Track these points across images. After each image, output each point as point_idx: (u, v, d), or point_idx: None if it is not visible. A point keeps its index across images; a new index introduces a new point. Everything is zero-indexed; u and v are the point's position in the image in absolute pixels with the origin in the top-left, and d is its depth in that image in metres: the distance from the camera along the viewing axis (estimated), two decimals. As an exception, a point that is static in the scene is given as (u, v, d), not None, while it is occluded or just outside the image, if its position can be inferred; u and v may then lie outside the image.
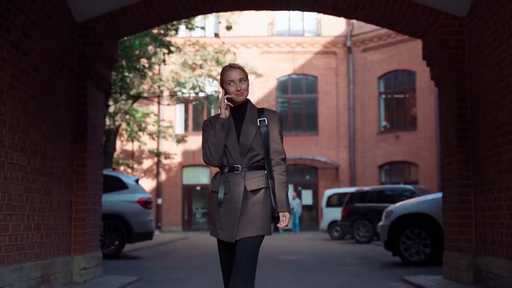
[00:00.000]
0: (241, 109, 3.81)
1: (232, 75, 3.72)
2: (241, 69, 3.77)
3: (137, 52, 15.82)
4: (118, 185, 12.74)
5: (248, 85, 3.76)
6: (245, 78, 3.75)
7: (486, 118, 6.66)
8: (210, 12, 8.15)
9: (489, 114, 6.58)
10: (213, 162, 3.72)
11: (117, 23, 7.67)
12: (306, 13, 28.74)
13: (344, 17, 8.22)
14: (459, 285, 6.94)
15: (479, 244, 6.96)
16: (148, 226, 12.93)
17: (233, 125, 3.76)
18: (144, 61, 16.93)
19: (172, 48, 16.12)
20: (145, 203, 12.86)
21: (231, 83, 3.71)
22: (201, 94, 21.76)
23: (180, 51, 16.65)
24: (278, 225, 3.70)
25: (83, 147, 7.35)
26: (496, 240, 6.42)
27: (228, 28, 14.91)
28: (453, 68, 7.31)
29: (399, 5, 7.46)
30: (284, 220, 3.69)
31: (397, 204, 11.67)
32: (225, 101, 3.70)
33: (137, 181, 13.41)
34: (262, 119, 3.77)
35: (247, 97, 3.82)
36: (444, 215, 7.82)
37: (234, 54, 28.03)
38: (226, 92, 3.74)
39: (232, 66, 3.77)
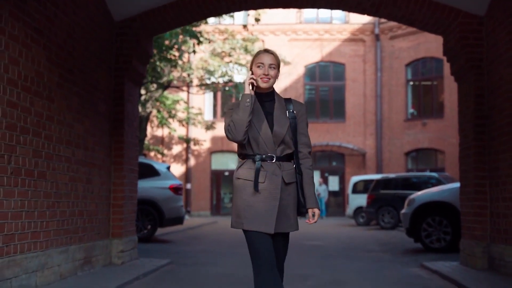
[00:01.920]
0: (268, 97, 3.72)
1: (264, 58, 3.63)
2: (275, 55, 3.67)
3: (167, 42, 16.33)
4: (150, 172, 13.30)
5: (276, 74, 3.66)
6: (275, 65, 3.64)
7: (502, 115, 7.00)
8: (240, 10, 8.58)
9: (504, 111, 6.92)
10: (237, 137, 3.57)
11: (152, 22, 8.15)
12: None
13: (368, 14, 8.58)
14: (473, 271, 7.33)
15: (493, 233, 7.33)
16: (178, 211, 13.49)
17: (262, 112, 3.67)
18: (175, 50, 17.43)
19: (201, 39, 16.59)
20: (176, 189, 13.41)
21: (260, 66, 3.62)
22: (230, 83, 22.15)
23: (209, 42, 17.07)
24: (307, 221, 3.67)
25: (121, 139, 7.89)
26: (509, 230, 6.79)
27: (257, 20, 15.31)
28: (471, 65, 7.64)
29: (420, 4, 7.80)
30: (313, 216, 3.67)
31: (419, 193, 12.02)
32: (250, 79, 3.61)
33: (168, 168, 13.96)
34: (291, 110, 3.70)
35: (273, 87, 3.75)
36: (462, 205, 8.19)
37: (263, 41, 28.36)
38: (253, 73, 3.66)
39: (267, 51, 3.69)
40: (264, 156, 3.60)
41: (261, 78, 3.61)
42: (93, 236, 7.16)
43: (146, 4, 7.93)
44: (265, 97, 3.70)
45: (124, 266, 7.68)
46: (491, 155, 7.41)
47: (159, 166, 13.80)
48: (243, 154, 3.69)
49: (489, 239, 7.44)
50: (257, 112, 3.64)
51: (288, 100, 3.75)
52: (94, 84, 7.17)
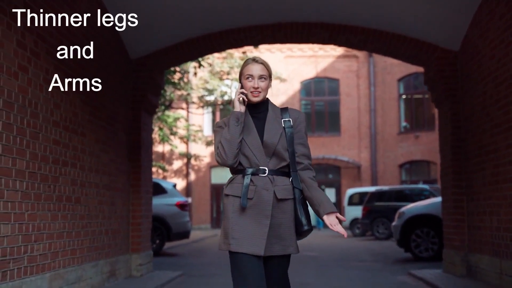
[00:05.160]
0: (261, 107, 3.40)
1: (253, 69, 3.30)
2: (264, 65, 3.33)
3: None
4: (158, 190, 14.19)
5: (267, 85, 3.34)
6: (266, 76, 3.31)
7: (474, 139, 7.98)
8: (242, 46, 9.59)
9: (476, 136, 7.90)
10: (227, 161, 3.26)
11: (164, 59, 9.14)
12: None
13: (356, 49, 9.58)
14: (453, 278, 8.28)
15: (470, 243, 8.29)
16: (185, 226, 14.41)
17: (253, 124, 3.35)
18: (178, 73, 18.43)
19: (202, 63, 17.59)
20: (182, 206, 14.34)
21: (249, 78, 3.30)
22: (230, 103, 23.07)
23: (210, 66, 18.05)
24: (334, 228, 3.26)
25: (138, 164, 8.85)
26: (482, 240, 7.74)
27: (256, 46, 16.29)
28: (448, 95, 8.63)
29: (401, 41, 8.80)
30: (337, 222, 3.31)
31: (409, 206, 12.98)
32: (240, 94, 3.29)
33: (174, 186, 14.92)
34: (286, 119, 3.37)
35: (267, 97, 3.44)
36: (443, 218, 9.16)
37: (259, 59, 29.31)
38: (242, 87, 3.34)
39: (255, 60, 3.34)
40: (254, 169, 3.29)
41: (251, 92, 3.31)
42: (117, 251, 8.09)
43: (159, 44, 8.92)
44: (257, 108, 3.40)
45: (143, 278, 8.59)
46: (467, 174, 8.37)
47: (166, 184, 14.74)
48: (234, 169, 3.37)
49: (467, 249, 8.39)
50: (247, 126, 3.34)
51: (285, 110, 3.44)
52: (115, 117, 8.14)
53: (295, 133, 3.36)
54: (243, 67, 3.35)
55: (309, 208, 3.41)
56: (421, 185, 21.38)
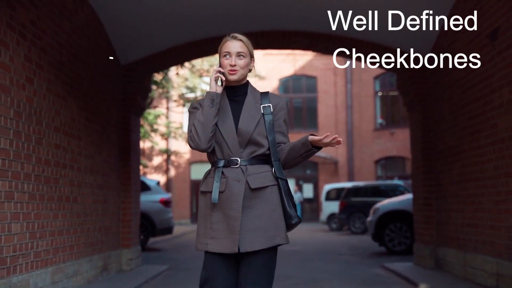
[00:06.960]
0: (240, 91, 3.17)
1: (230, 46, 3.07)
2: (244, 41, 3.10)
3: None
4: (142, 187, 14.62)
5: (247, 64, 3.10)
6: (245, 53, 3.08)
7: (443, 141, 8.61)
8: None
9: (444, 138, 8.53)
10: (200, 144, 3.01)
11: (152, 64, 9.63)
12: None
13: (339, 56, 10.13)
14: (423, 270, 8.91)
15: (439, 238, 8.93)
16: (168, 222, 14.90)
17: (229, 109, 3.12)
18: (160, 72, 18.84)
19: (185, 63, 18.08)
20: (166, 203, 14.82)
21: (227, 56, 3.07)
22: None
23: (193, 66, 18.52)
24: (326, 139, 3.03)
25: (128, 164, 9.34)
26: (449, 235, 8.38)
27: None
28: (419, 99, 9.24)
29: (376, 48, 9.36)
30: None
31: (383, 202, 13.64)
32: (216, 73, 3.07)
33: (158, 183, 15.38)
34: (266, 105, 3.13)
35: (248, 79, 3.22)
36: (414, 214, 9.79)
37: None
38: (220, 65, 3.12)
39: (233, 37, 3.10)
40: (227, 161, 3.08)
41: (228, 71, 3.07)
42: (109, 247, 8.57)
43: (148, 50, 9.39)
44: (236, 91, 3.17)
45: (132, 272, 9.08)
46: (436, 173, 9.00)
47: (150, 182, 15.20)
48: (209, 159, 3.20)
49: (435, 243, 9.03)
50: (223, 110, 3.12)
51: (265, 94, 3.20)
52: (108, 120, 8.61)
53: (275, 120, 3.16)
54: (221, 45, 3.14)
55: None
56: (396, 181, 22.08)
